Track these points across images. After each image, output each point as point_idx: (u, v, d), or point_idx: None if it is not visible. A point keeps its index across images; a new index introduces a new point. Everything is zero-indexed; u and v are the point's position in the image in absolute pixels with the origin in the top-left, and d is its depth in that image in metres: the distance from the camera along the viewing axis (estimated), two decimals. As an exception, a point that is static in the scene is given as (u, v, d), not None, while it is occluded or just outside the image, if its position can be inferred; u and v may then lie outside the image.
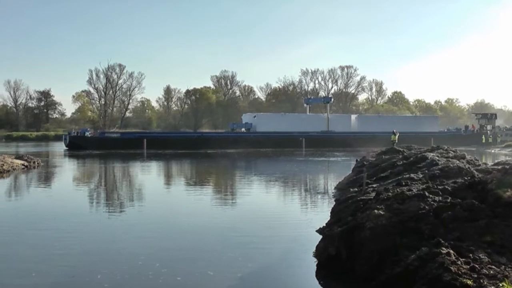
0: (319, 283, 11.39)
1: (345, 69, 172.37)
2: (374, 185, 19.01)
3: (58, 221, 18.81)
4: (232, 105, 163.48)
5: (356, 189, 19.29)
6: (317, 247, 12.99)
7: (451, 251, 9.21)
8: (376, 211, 11.86)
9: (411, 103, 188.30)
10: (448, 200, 11.99)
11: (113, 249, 14.46)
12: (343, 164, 47.54)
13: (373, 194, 15.39)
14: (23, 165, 42.37)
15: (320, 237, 13.53)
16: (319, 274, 11.78)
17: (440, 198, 12.38)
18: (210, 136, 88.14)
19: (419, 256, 9.34)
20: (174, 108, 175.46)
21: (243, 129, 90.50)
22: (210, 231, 16.75)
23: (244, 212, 21.01)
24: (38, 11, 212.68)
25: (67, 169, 45.47)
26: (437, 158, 22.33)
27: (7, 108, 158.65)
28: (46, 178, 37.44)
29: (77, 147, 74.04)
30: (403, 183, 16.06)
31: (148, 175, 40.09)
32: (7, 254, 13.93)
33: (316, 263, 12.41)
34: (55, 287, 11.04)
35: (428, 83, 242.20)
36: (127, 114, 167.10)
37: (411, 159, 23.84)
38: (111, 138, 78.71)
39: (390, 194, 13.56)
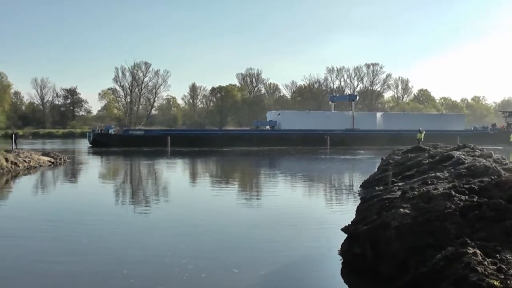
0: (344, 281, 11.37)
1: (371, 66, 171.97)
2: (400, 184, 18.91)
3: (83, 216, 18.98)
4: (258, 103, 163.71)
5: (381, 188, 19.22)
6: (342, 245, 12.97)
7: (478, 251, 9.13)
8: (401, 210, 11.80)
9: (437, 101, 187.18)
10: (475, 200, 11.88)
11: (139, 245, 14.55)
12: (368, 162, 47.36)
13: (399, 192, 15.30)
14: (49, 161, 42.87)
15: (345, 235, 13.51)
16: (344, 273, 11.76)
17: (467, 197, 12.27)
18: (234, 134, 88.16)
19: (445, 256, 9.27)
20: (199, 106, 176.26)
21: (267, 127, 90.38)
22: (235, 229, 16.80)
23: (268, 209, 21.00)
24: (65, 11, 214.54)
25: (93, 166, 45.85)
26: (463, 156, 22.12)
27: (34, 105, 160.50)
28: (72, 174, 37.86)
29: (101, 144, 74.43)
30: (429, 182, 15.95)
31: (173, 172, 40.26)
32: (32, 248, 14.07)
33: (341, 261, 12.39)
34: (80, 281, 11.12)
35: (455, 80, 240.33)
36: (153, 111, 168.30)
37: (437, 157, 23.64)
38: (135, 136, 79.03)
39: (415, 193, 13.48)
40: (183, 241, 14.95)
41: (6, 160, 37.00)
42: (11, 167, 36.75)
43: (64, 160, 45.63)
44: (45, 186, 30.77)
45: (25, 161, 39.33)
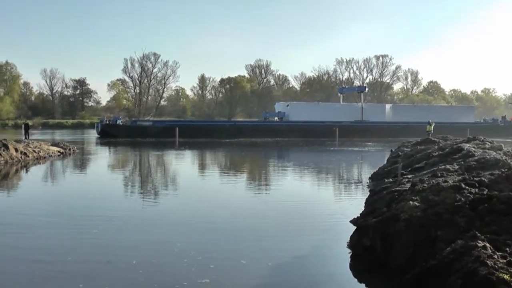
0: (353, 274, 11.34)
1: (380, 58, 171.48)
2: (409, 176, 18.84)
3: (92, 207, 19.01)
4: (267, 94, 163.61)
5: (391, 180, 19.15)
6: (351, 238, 12.94)
7: (488, 245, 9.08)
8: (411, 202, 11.75)
9: (447, 93, 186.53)
10: (485, 192, 11.82)
11: (149, 236, 14.59)
12: (377, 155, 47.32)
13: (408, 185, 15.25)
14: (59, 152, 43.00)
15: (354, 228, 13.47)
16: (353, 266, 11.74)
17: (477, 190, 12.21)
18: (242, 125, 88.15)
19: (455, 249, 9.22)
20: (208, 97, 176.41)
21: (276, 118, 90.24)
22: (244, 220, 16.78)
23: (277, 201, 20.97)
24: (74, 1, 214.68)
25: (101, 157, 46.02)
26: (473, 149, 22.03)
27: (44, 96, 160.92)
28: (81, 165, 38.02)
29: (109, 135, 74.47)
30: (439, 175, 15.90)
31: (181, 164, 40.29)
32: (40, 240, 14.10)
33: (350, 254, 12.37)
34: (90, 271, 11.14)
35: (464, 72, 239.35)
36: (162, 102, 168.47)
37: (447, 150, 23.55)
38: (143, 126, 78.98)
39: (425, 185, 13.42)
40: (191, 232, 14.96)
41: (16, 150, 37.14)
42: (21, 157, 36.90)
43: (73, 150, 45.74)
44: (53, 176, 30.86)
45: (34, 151, 39.45)
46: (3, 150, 35.71)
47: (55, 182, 27.97)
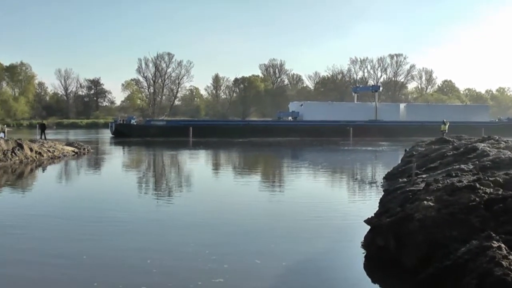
0: (367, 274, 11.33)
1: (395, 57, 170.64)
2: (424, 176, 18.80)
3: (106, 207, 19.10)
4: (280, 94, 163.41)
5: (405, 180, 19.11)
6: (365, 237, 12.93)
7: (502, 245, 9.04)
8: (425, 202, 11.73)
9: (462, 92, 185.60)
10: (500, 192, 11.77)
11: (163, 235, 14.67)
12: (391, 154, 47.19)
13: (422, 185, 15.21)
14: (73, 151, 43.19)
15: (368, 227, 13.46)
16: (367, 266, 11.73)
17: (491, 190, 12.15)
18: (256, 125, 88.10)
19: (469, 250, 9.19)
20: (222, 97, 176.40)
21: (290, 118, 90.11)
22: (258, 220, 16.78)
23: (291, 201, 20.97)
24: (88, 1, 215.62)
25: (116, 156, 46.30)
26: (488, 148, 21.95)
27: (58, 96, 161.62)
28: (95, 164, 38.20)
29: (123, 134, 74.62)
30: (453, 174, 15.85)
31: (195, 163, 40.36)
32: (54, 237, 14.20)
33: (364, 254, 12.35)
34: (104, 271, 11.21)
35: (479, 71, 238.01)
36: (176, 102, 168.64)
37: (461, 149, 23.47)
38: (157, 126, 79.05)
39: (439, 185, 13.39)
40: (206, 231, 15.01)
41: (31, 149, 37.38)
42: (36, 156, 37.13)
43: (87, 150, 45.95)
44: (67, 176, 31.05)
45: (49, 151, 39.67)
46: (18, 150, 35.97)
47: (69, 182, 28.16)
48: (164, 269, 11.26)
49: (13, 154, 35.10)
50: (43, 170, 33.07)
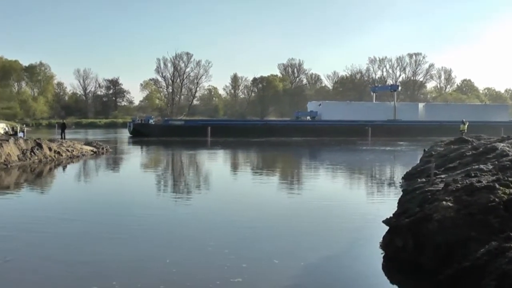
0: (385, 275, 11.32)
1: (413, 56, 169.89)
2: (442, 176, 18.71)
3: (124, 206, 19.23)
4: (299, 93, 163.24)
5: (423, 180, 19.02)
6: (383, 238, 12.91)
7: (522, 246, 9.00)
8: (444, 202, 11.69)
9: (481, 91, 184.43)
10: (519, 193, 11.71)
11: (182, 234, 14.76)
12: (409, 154, 46.99)
13: (441, 185, 15.15)
14: (92, 151, 43.50)
15: (387, 228, 13.44)
16: (386, 266, 11.72)
17: (511, 190, 12.09)
18: (274, 124, 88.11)
19: (488, 251, 9.17)
20: (241, 96, 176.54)
21: (308, 118, 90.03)
22: (277, 219, 16.83)
23: (310, 200, 20.96)
24: (106, 2, 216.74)
25: (134, 156, 46.60)
26: (507, 148, 21.80)
27: (77, 96, 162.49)
28: (114, 164, 38.44)
29: (141, 134, 74.89)
30: (472, 174, 15.76)
31: (214, 163, 40.47)
32: (73, 237, 14.31)
33: (383, 255, 12.34)
34: (125, 269, 11.31)
35: (499, 70, 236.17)
36: (194, 102, 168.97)
37: (480, 149, 23.33)
38: (175, 126, 79.25)
39: (458, 185, 13.32)
40: (225, 231, 15.05)
41: (50, 149, 37.65)
42: (54, 156, 37.39)
43: (106, 149, 46.21)
44: (86, 175, 31.29)
45: (68, 150, 39.95)
46: (37, 149, 36.24)
47: (88, 181, 28.33)
48: (183, 268, 11.34)
49: (32, 153, 35.38)
50: (63, 169, 33.32)
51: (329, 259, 12.25)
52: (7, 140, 34.41)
